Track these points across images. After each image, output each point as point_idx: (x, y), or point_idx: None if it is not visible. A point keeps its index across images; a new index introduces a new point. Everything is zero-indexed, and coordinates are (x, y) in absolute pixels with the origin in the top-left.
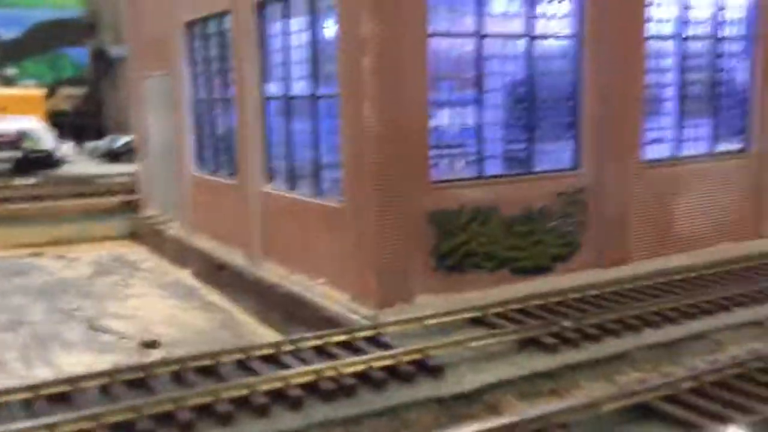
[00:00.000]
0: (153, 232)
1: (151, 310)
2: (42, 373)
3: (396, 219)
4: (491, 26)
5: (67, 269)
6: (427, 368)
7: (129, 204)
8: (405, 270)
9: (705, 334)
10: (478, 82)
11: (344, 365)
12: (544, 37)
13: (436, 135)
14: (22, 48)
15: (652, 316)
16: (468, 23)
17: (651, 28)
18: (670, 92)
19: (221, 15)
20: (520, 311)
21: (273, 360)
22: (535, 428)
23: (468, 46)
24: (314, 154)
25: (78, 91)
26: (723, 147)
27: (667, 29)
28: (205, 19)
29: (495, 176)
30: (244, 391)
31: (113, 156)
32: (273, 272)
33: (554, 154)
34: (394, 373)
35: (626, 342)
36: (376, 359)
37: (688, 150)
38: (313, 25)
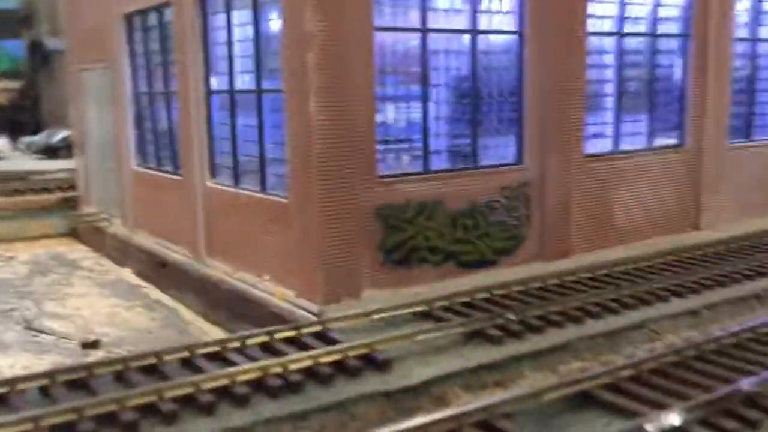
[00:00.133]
0: (93, 230)
1: (91, 309)
2: None
3: (342, 214)
4: (436, 21)
5: (3, 268)
6: (374, 362)
7: (68, 201)
8: (351, 265)
9: (643, 323)
10: (424, 77)
11: (291, 361)
12: (488, 32)
13: (382, 130)
14: None
15: (593, 307)
16: (413, 18)
17: (591, 25)
18: (610, 88)
19: (162, 6)
20: (466, 304)
21: (219, 357)
22: (481, 419)
23: (413, 41)
24: (259, 149)
25: (14, 84)
26: (660, 142)
27: (607, 26)
28: (145, 11)
29: (441, 171)
30: (189, 390)
31: (51, 151)
32: (218, 269)
33: (499, 148)
34: (341, 368)
35: (568, 333)
36: (323, 354)
37: (628, 144)
38: (257, 19)
